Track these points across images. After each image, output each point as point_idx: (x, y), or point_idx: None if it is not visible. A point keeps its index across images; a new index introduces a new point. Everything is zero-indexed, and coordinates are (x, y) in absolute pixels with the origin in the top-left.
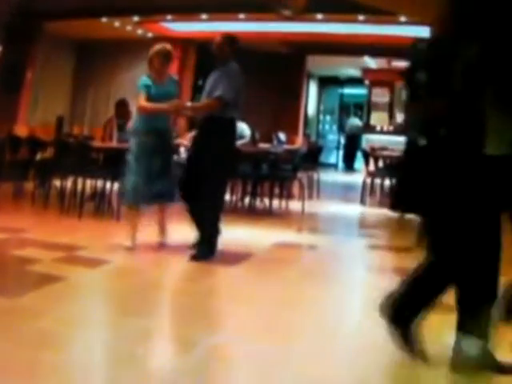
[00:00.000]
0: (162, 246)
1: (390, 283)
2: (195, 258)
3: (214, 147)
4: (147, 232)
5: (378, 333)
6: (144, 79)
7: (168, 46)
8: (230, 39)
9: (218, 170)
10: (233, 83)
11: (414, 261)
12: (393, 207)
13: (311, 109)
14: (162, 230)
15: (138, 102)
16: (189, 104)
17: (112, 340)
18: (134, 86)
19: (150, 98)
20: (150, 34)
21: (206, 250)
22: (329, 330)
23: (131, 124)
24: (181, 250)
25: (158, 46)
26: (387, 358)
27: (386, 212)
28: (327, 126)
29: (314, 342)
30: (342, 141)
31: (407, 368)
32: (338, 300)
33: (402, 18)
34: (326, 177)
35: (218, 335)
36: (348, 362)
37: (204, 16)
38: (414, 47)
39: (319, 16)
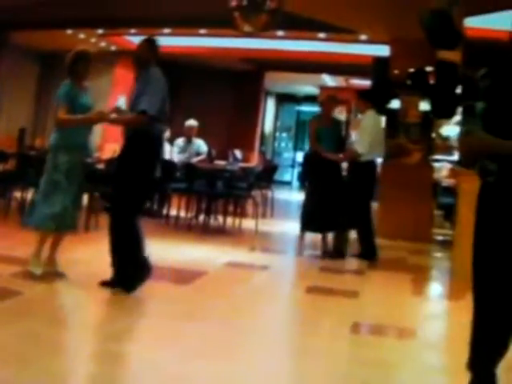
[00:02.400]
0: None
1: (332, 304)
2: (108, 284)
3: (135, 165)
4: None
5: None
6: (68, 87)
7: (89, 49)
8: (151, 42)
9: (136, 188)
10: (157, 92)
11: (361, 282)
12: None
13: (268, 126)
14: (53, 257)
15: (58, 115)
16: (113, 116)
17: (66, 357)
18: (97, 98)
19: (76, 110)
20: (113, 47)
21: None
22: (270, 350)
23: (51, 140)
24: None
25: (79, 48)
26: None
27: None
28: (283, 144)
29: (252, 362)
30: (298, 159)
31: None
32: (280, 320)
33: (363, 37)
34: (281, 195)
35: (161, 352)
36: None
37: (166, 30)
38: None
39: (280, 33)
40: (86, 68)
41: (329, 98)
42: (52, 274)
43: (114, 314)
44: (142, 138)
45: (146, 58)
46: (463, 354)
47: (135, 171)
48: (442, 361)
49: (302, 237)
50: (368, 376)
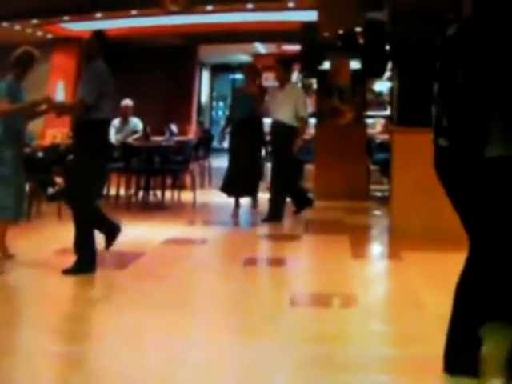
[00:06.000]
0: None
1: (270, 276)
2: (70, 271)
3: (80, 151)
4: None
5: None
6: (9, 84)
7: (33, 50)
8: (97, 35)
9: (85, 173)
10: (96, 84)
11: (300, 249)
12: None
13: (204, 97)
14: (3, 245)
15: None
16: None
17: None
18: (35, 86)
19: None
20: (49, 36)
21: (83, 261)
22: (209, 332)
23: None
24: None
25: (27, 49)
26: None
27: None
28: (220, 112)
29: (193, 345)
30: None
31: None
32: (217, 299)
33: (290, 4)
34: (220, 163)
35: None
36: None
37: (98, 15)
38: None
39: (209, 7)
40: (29, 69)
41: (250, 69)
42: (5, 257)
43: (55, 306)
44: (82, 125)
45: (92, 50)
46: (410, 319)
47: (88, 156)
48: (389, 329)
49: (236, 204)
50: (313, 351)
